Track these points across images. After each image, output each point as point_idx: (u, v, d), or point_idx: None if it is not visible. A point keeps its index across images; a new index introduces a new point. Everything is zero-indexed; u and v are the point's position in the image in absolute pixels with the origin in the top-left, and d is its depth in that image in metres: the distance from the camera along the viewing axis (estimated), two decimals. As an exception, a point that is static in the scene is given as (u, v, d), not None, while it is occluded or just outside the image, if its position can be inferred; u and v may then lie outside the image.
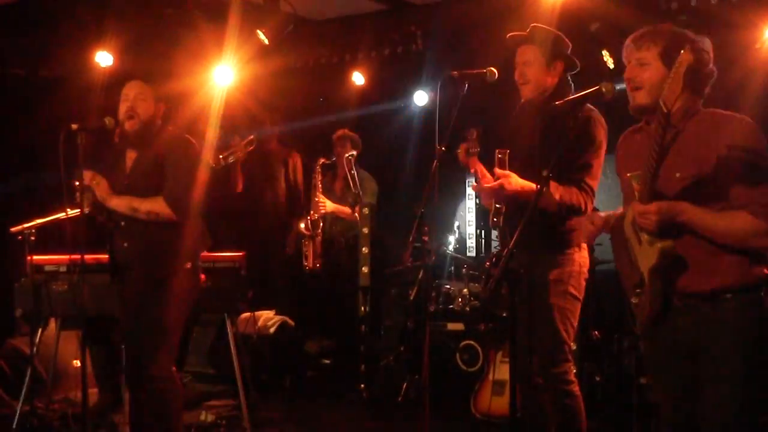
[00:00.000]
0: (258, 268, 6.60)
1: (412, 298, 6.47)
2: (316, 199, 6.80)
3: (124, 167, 4.23)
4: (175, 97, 4.30)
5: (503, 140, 3.92)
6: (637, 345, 5.05)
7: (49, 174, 4.49)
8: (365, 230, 6.43)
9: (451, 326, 6.10)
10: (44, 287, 5.18)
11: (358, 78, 7.48)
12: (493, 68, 3.96)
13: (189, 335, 6.13)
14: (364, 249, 6.39)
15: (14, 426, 5.18)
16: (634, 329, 5.03)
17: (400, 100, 7.78)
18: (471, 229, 7.65)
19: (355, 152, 6.76)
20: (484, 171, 3.84)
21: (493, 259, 5.81)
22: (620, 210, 3.20)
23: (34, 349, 5.25)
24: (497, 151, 3.76)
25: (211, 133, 5.87)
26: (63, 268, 5.21)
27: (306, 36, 7.23)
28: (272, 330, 6.67)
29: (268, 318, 6.77)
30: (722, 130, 2.85)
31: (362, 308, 6.49)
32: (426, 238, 4.34)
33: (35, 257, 5.15)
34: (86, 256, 4.01)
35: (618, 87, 3.04)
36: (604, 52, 6.06)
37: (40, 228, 5.15)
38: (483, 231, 7.63)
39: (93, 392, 5.50)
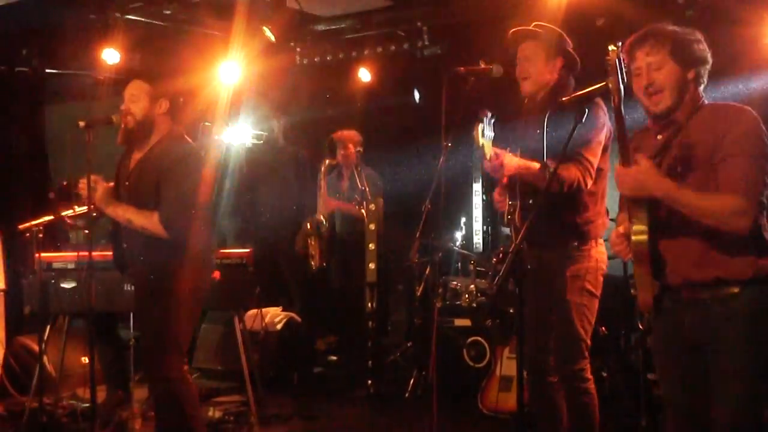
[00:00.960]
0: (265, 265, 6.61)
1: (419, 294, 6.47)
2: (322, 200, 6.81)
3: (128, 168, 4.19)
4: (180, 94, 4.26)
5: (510, 136, 3.92)
6: (644, 341, 5.05)
7: (57, 171, 4.50)
8: (372, 226, 6.43)
9: (458, 322, 6.09)
10: (52, 284, 5.20)
11: (364, 74, 7.48)
12: (499, 64, 3.96)
13: (196, 332, 6.14)
14: (370, 245, 6.39)
15: (23, 422, 5.21)
16: (641, 324, 5.04)
17: (406, 96, 7.77)
18: (478, 225, 7.64)
19: (360, 149, 6.77)
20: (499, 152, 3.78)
21: (501, 255, 5.81)
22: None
23: (43, 345, 5.27)
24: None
25: (218, 131, 5.89)
26: (71, 265, 5.23)
27: (312, 32, 7.24)
28: (279, 326, 6.67)
29: (275, 314, 6.78)
30: (723, 122, 2.86)
31: (369, 304, 6.50)
32: (432, 235, 4.34)
33: (43, 254, 5.16)
34: (94, 253, 4.01)
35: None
36: (611, 48, 6.04)
37: (48, 225, 5.17)
38: (490, 227, 7.62)
39: (101, 389, 5.51)
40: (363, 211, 6.57)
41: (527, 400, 3.54)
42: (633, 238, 2.90)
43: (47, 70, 7.24)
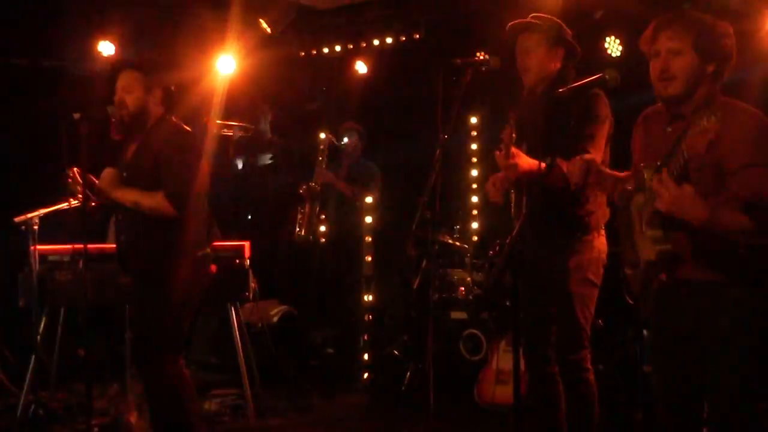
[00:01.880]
0: (262, 258, 6.59)
1: (415, 287, 6.47)
2: (318, 169, 6.78)
3: (124, 159, 4.19)
4: (176, 86, 4.25)
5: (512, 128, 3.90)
6: (640, 333, 5.05)
7: (51, 164, 4.48)
8: (368, 219, 6.43)
9: (455, 315, 6.10)
10: (48, 277, 5.19)
11: (360, 67, 7.47)
12: (496, 56, 3.95)
13: (192, 324, 6.13)
14: (367, 238, 6.39)
15: (19, 415, 5.20)
16: (638, 316, 5.04)
17: (403, 89, 7.75)
18: (474, 217, 7.63)
19: (361, 143, 6.78)
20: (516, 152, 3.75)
21: (497, 248, 5.81)
22: (624, 174, 3.21)
23: (38, 338, 5.26)
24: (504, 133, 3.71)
25: (213, 123, 5.87)
26: (66, 258, 5.22)
27: (308, 25, 7.21)
28: (276, 319, 6.67)
29: (271, 307, 6.78)
30: (733, 123, 2.75)
31: (365, 297, 6.50)
32: (429, 227, 4.33)
33: (39, 247, 5.15)
34: (90, 246, 4.00)
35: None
36: (608, 39, 6.05)
37: (43, 218, 5.15)
38: (486, 219, 7.61)
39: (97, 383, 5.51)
40: (356, 200, 6.57)
41: (525, 393, 3.53)
42: (658, 247, 2.84)
43: (42, 62, 7.21)
